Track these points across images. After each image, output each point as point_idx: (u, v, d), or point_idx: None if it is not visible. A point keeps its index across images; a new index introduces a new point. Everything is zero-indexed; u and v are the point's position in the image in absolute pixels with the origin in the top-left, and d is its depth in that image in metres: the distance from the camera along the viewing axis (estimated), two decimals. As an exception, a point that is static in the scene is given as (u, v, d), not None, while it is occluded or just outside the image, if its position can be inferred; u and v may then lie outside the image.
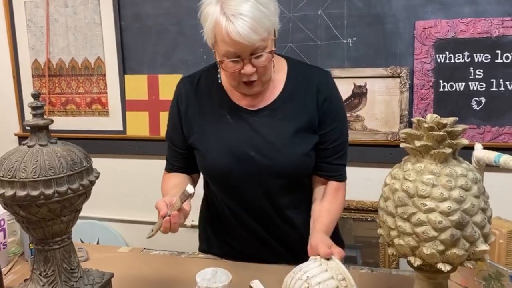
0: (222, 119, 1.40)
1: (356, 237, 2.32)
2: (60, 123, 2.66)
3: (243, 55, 1.25)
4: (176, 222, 1.16)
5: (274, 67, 1.35)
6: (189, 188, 1.16)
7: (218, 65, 1.35)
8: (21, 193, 0.98)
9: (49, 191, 0.98)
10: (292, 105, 1.38)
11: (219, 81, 1.39)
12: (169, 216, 1.16)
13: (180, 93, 1.46)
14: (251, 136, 1.37)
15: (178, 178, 1.48)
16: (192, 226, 2.42)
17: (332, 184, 1.44)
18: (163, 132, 2.50)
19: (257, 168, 1.36)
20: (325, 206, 1.40)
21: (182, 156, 1.49)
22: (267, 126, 1.37)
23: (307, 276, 1.05)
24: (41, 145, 1.03)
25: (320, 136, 1.40)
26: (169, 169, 1.54)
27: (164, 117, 2.49)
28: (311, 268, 1.08)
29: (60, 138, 1.10)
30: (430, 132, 1.00)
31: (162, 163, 2.54)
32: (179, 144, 1.48)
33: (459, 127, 1.02)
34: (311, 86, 1.39)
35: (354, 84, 2.19)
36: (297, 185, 1.43)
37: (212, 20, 1.23)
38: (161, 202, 1.20)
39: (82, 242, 2.39)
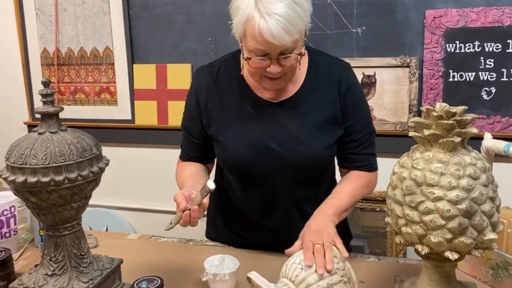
0: (243, 111, 1.38)
1: (364, 227, 2.32)
2: (69, 112, 2.68)
3: (272, 54, 1.22)
4: (196, 216, 1.17)
5: (299, 63, 1.31)
6: (211, 184, 1.16)
7: (241, 57, 1.32)
8: (32, 179, 0.99)
9: (59, 178, 1.00)
10: (314, 97, 1.37)
11: (241, 73, 1.38)
12: (189, 210, 1.16)
13: (199, 84, 1.44)
14: (273, 128, 1.36)
15: (194, 168, 1.47)
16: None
17: (360, 172, 1.42)
18: (171, 122, 2.52)
19: (278, 160, 1.35)
20: (338, 188, 1.39)
21: (198, 146, 1.48)
22: (288, 118, 1.36)
23: (300, 259, 1.07)
24: (51, 132, 1.04)
25: (346, 129, 1.39)
26: (184, 157, 1.52)
27: (172, 106, 2.51)
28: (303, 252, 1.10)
29: (69, 127, 1.11)
30: (439, 121, 1.00)
31: (170, 152, 2.57)
32: (195, 135, 1.46)
33: (469, 116, 1.02)
34: (333, 78, 1.38)
35: (363, 74, 2.18)
36: (316, 178, 1.43)
37: (244, 15, 1.19)
38: (180, 195, 1.19)
39: (91, 229, 2.41)
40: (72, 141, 1.04)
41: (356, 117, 1.39)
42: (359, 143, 1.41)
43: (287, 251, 1.17)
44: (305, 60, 1.39)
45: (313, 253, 1.07)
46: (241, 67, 1.38)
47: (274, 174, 1.37)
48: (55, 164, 1.00)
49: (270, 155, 1.35)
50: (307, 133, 1.35)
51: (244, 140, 1.37)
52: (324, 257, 1.06)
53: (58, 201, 1.03)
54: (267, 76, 1.28)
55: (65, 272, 1.09)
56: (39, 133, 1.04)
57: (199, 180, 1.33)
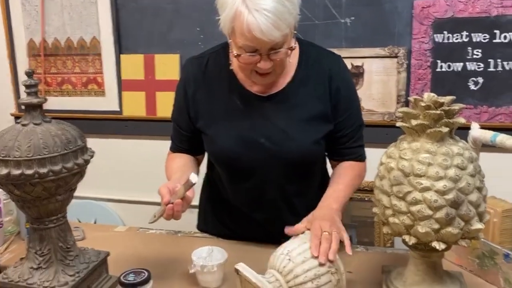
0: (232, 104, 1.36)
1: (352, 216, 2.33)
2: (56, 103, 2.65)
3: (262, 50, 1.20)
4: (179, 210, 1.16)
5: (290, 56, 1.30)
6: (193, 178, 1.16)
7: (229, 51, 1.31)
8: (16, 172, 0.97)
9: (43, 170, 0.98)
10: (304, 91, 1.36)
11: (230, 68, 1.36)
12: (172, 203, 1.15)
13: (187, 76, 1.42)
14: (261, 122, 1.35)
15: (183, 160, 1.46)
16: (190, 206, 2.42)
17: (351, 162, 1.44)
18: (159, 112, 2.50)
19: (266, 154, 1.34)
20: (336, 179, 1.40)
21: (187, 138, 1.47)
22: (277, 112, 1.35)
23: (288, 250, 1.07)
24: (35, 124, 1.03)
25: (337, 125, 1.38)
26: (174, 149, 1.51)
27: (160, 97, 2.49)
28: (291, 243, 1.11)
29: (56, 118, 1.10)
30: (427, 111, 1.00)
31: (159, 143, 2.55)
32: (185, 127, 1.45)
33: (456, 106, 1.02)
34: (323, 73, 1.36)
35: (352, 64, 2.18)
36: (305, 173, 1.42)
37: (231, 10, 1.16)
38: (164, 188, 1.18)
39: (79, 222, 2.39)
40: (57, 133, 1.02)
41: (346, 113, 1.38)
42: (350, 137, 1.41)
43: (287, 230, 1.18)
44: (295, 52, 1.37)
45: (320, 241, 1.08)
46: (230, 61, 1.36)
47: (262, 168, 1.36)
48: (39, 156, 0.98)
49: (258, 149, 1.34)
50: (296, 128, 1.34)
51: (232, 134, 1.35)
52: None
53: (43, 193, 1.01)
54: (257, 71, 1.26)
55: (50, 266, 1.08)
56: (23, 125, 1.03)
57: (186, 172, 1.32)
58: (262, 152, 1.34)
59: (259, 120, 1.35)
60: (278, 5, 1.14)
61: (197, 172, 1.48)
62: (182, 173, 1.32)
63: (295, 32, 1.26)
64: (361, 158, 1.45)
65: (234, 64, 1.36)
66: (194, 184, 1.16)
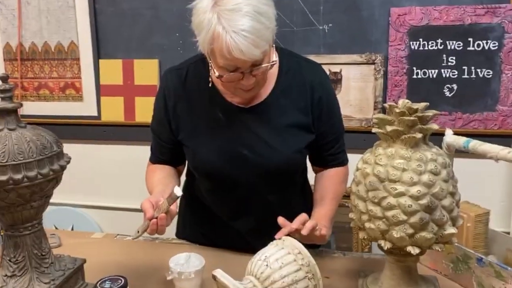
0: (213, 116, 1.35)
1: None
2: (33, 108, 2.61)
3: (243, 68, 1.19)
4: (163, 224, 1.15)
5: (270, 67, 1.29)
6: (177, 191, 1.14)
7: (211, 72, 1.30)
8: (-11, 178, 0.96)
9: (18, 176, 0.97)
10: (285, 101, 1.35)
11: (210, 85, 1.34)
12: (156, 218, 1.14)
13: (167, 88, 1.40)
14: (243, 134, 1.34)
15: (163, 172, 1.45)
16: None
17: (335, 169, 1.48)
18: (138, 118, 2.49)
19: (248, 166, 1.34)
20: (321, 191, 1.45)
21: (167, 150, 1.45)
22: (259, 123, 1.34)
23: (265, 256, 1.07)
24: (10, 129, 1.01)
25: (320, 134, 1.39)
26: (154, 160, 1.49)
27: (139, 102, 2.47)
28: (268, 249, 1.11)
29: (33, 123, 1.08)
30: (401, 117, 1.02)
31: (138, 148, 2.55)
32: (165, 138, 1.43)
33: (430, 112, 1.04)
34: (304, 83, 1.36)
35: (330, 71, 2.20)
36: (287, 182, 1.43)
37: (209, 33, 1.15)
38: (147, 202, 1.17)
39: (56, 228, 2.36)
40: (32, 138, 1.01)
41: (329, 122, 1.40)
42: (333, 144, 1.43)
43: (278, 237, 1.20)
44: (275, 62, 1.35)
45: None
46: (210, 79, 1.34)
47: (245, 179, 1.36)
48: (13, 162, 0.97)
49: (240, 161, 1.34)
50: (277, 138, 1.34)
51: (213, 147, 1.35)
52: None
53: (17, 200, 1.00)
54: (240, 88, 1.25)
55: (25, 273, 1.07)
56: (-3, 130, 1.01)
57: (168, 185, 1.32)
58: (245, 163, 1.34)
59: (241, 131, 1.34)
60: (255, 23, 1.13)
61: (179, 184, 1.47)
62: (163, 186, 1.31)
63: (273, 46, 1.25)
64: (343, 162, 1.48)
65: (214, 77, 1.35)
66: (178, 197, 1.15)
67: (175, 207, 1.17)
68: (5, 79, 1.04)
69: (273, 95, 1.35)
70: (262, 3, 1.16)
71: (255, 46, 1.13)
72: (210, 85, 1.34)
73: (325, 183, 1.46)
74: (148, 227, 1.15)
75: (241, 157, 1.34)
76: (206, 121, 1.36)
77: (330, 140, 1.42)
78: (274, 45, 1.26)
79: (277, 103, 1.35)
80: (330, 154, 1.45)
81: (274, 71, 1.36)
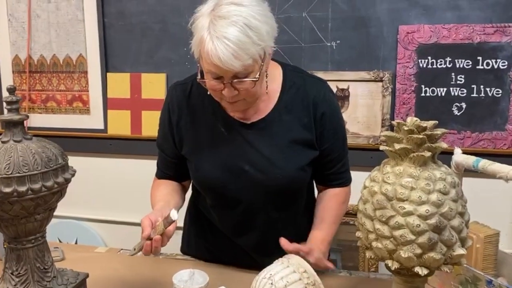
0: (216, 131, 1.35)
1: (337, 240, 2.32)
2: (40, 120, 2.62)
3: (225, 77, 1.18)
4: (157, 246, 1.14)
5: (267, 82, 1.28)
6: (173, 215, 1.14)
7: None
8: (-6, 189, 0.95)
9: (22, 188, 0.96)
10: (288, 118, 1.34)
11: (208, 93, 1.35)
12: (151, 239, 1.14)
13: (172, 102, 1.40)
14: (245, 150, 1.33)
15: (168, 188, 1.44)
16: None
17: (336, 190, 1.45)
18: (145, 132, 2.49)
19: (250, 182, 1.33)
20: (321, 213, 1.43)
21: (172, 165, 1.45)
22: (261, 139, 1.33)
23: (270, 274, 1.06)
24: (15, 141, 1.01)
25: (323, 151, 1.37)
26: (160, 175, 1.49)
27: (146, 116, 2.48)
28: (273, 267, 1.10)
29: (40, 136, 1.08)
30: (410, 135, 1.00)
31: (143, 162, 2.54)
32: (169, 153, 1.43)
33: (439, 131, 1.02)
34: (307, 100, 1.34)
35: (337, 87, 2.19)
36: (290, 199, 1.41)
37: (198, 36, 1.17)
38: (146, 220, 1.17)
39: (60, 242, 2.35)
40: (37, 151, 1.01)
41: (332, 139, 1.38)
42: (335, 162, 1.41)
43: (283, 242, 1.21)
44: (279, 78, 1.36)
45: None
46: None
47: (247, 195, 1.35)
48: (18, 174, 0.96)
49: (242, 177, 1.33)
50: (280, 155, 1.33)
51: (216, 161, 1.34)
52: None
53: (21, 212, 0.99)
54: (224, 99, 1.25)
55: (27, 287, 1.06)
56: (3, 142, 1.01)
57: (170, 202, 1.32)
58: (247, 179, 1.33)
59: (243, 147, 1.33)
60: (241, 35, 1.12)
61: (183, 199, 1.46)
62: (165, 203, 1.31)
63: (263, 64, 1.22)
64: (346, 183, 1.46)
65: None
66: (174, 221, 1.14)
67: (172, 227, 1.16)
68: (12, 90, 1.05)
69: (276, 111, 1.34)
70: (255, 18, 1.15)
71: (235, 57, 1.12)
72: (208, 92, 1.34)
73: (326, 205, 1.44)
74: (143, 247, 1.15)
75: (242, 173, 1.33)
76: (208, 135, 1.36)
77: (332, 159, 1.40)
78: (263, 63, 1.22)
79: (280, 119, 1.34)
80: (332, 173, 1.43)
81: (277, 87, 1.35)
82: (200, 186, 1.42)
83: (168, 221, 1.14)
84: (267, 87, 1.29)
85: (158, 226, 1.15)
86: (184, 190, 1.51)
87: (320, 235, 1.36)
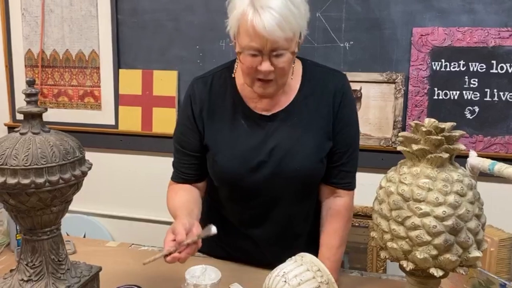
0: (236, 123, 1.35)
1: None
2: (51, 115, 2.63)
3: (264, 50, 1.20)
4: (190, 253, 1.14)
5: (293, 68, 1.29)
6: (214, 230, 1.16)
7: (235, 63, 1.33)
8: (12, 180, 0.95)
9: (40, 180, 0.97)
10: (307, 109, 1.35)
11: (233, 75, 1.36)
12: (185, 245, 1.13)
13: (193, 94, 1.40)
14: (265, 141, 1.33)
15: (188, 195, 1.40)
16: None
17: (338, 206, 1.40)
18: (155, 128, 2.49)
19: (270, 175, 1.33)
20: (327, 240, 1.38)
21: (193, 160, 1.41)
22: (281, 131, 1.34)
23: (284, 272, 1.06)
24: (34, 133, 1.01)
25: (333, 139, 1.36)
26: (177, 178, 1.45)
27: (157, 113, 2.48)
28: (287, 265, 1.10)
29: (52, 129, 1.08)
30: (428, 136, 1.00)
31: (153, 159, 2.55)
32: (191, 148, 1.40)
33: (457, 132, 1.02)
34: (327, 91, 1.35)
35: (349, 88, 2.19)
36: (306, 191, 1.40)
37: (239, 10, 1.19)
38: (180, 226, 1.15)
39: (68, 235, 2.36)
40: (55, 143, 1.01)
41: (343, 130, 1.36)
42: (340, 156, 1.37)
43: None
44: (299, 71, 1.37)
45: None
46: (234, 71, 1.36)
47: (265, 188, 1.35)
48: (36, 166, 0.97)
49: (262, 170, 1.33)
50: (299, 147, 1.33)
51: (235, 154, 1.34)
52: None
53: (38, 204, 1.00)
54: (258, 78, 1.25)
55: (41, 278, 1.06)
56: (21, 134, 1.01)
57: (193, 211, 1.31)
58: (266, 172, 1.33)
59: (264, 140, 1.34)
60: (284, 7, 1.16)
61: (201, 209, 1.42)
62: (189, 211, 1.29)
63: (300, 41, 1.26)
64: (349, 186, 1.41)
65: (238, 80, 1.36)
66: (211, 235, 1.16)
67: (200, 240, 1.16)
68: (31, 83, 1.05)
69: (296, 102, 1.35)
70: None
71: (279, 27, 1.16)
72: (233, 75, 1.36)
73: (333, 225, 1.39)
74: (172, 252, 1.12)
75: (262, 166, 1.33)
76: (228, 128, 1.36)
77: (340, 152, 1.37)
78: (301, 41, 1.27)
79: (299, 111, 1.35)
80: (336, 167, 1.38)
81: (297, 80, 1.36)
82: (219, 179, 1.40)
83: (207, 234, 1.14)
84: (292, 73, 1.31)
85: (194, 235, 1.14)
86: (202, 194, 1.47)
87: (328, 262, 1.30)
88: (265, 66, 1.22)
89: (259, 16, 1.15)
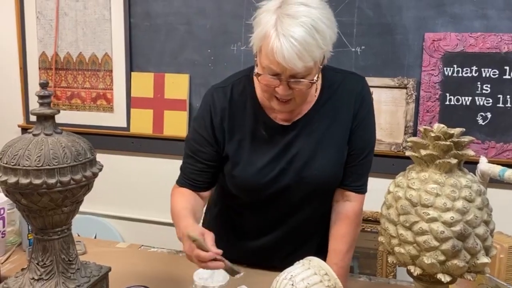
0: (257, 134, 1.34)
1: (355, 247, 2.30)
2: (64, 117, 2.66)
3: (283, 75, 1.18)
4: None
5: (316, 85, 1.27)
6: (240, 275, 1.17)
7: (254, 70, 1.30)
8: (24, 181, 0.97)
9: (51, 181, 0.98)
10: (327, 115, 1.33)
11: (253, 85, 1.34)
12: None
13: (213, 104, 1.36)
14: (286, 150, 1.33)
15: (192, 202, 1.36)
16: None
17: (346, 210, 1.39)
18: (166, 131, 2.51)
19: (290, 183, 1.33)
20: (335, 245, 1.38)
21: (208, 168, 1.38)
22: (301, 138, 1.33)
23: (291, 275, 1.06)
24: (46, 134, 1.03)
25: (349, 140, 1.35)
26: (185, 183, 1.40)
27: (168, 116, 2.50)
28: (294, 268, 1.10)
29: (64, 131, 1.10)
30: (437, 142, 1.00)
31: (164, 161, 2.57)
32: (207, 157, 1.37)
33: (466, 138, 1.02)
34: (346, 95, 1.33)
35: (360, 93, 2.19)
36: (325, 198, 1.41)
37: (263, 30, 1.16)
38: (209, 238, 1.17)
39: (79, 236, 2.38)
40: (67, 144, 1.03)
41: (359, 131, 1.35)
42: (353, 158, 1.36)
43: None
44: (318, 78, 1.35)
45: None
46: (254, 77, 1.31)
47: (284, 196, 1.35)
48: (48, 167, 0.98)
49: (282, 179, 1.33)
50: (319, 153, 1.32)
51: (257, 165, 1.33)
52: None
53: (49, 204, 1.01)
54: (276, 97, 1.24)
55: (52, 277, 1.07)
56: (34, 135, 1.03)
57: (198, 220, 1.31)
58: (286, 181, 1.33)
59: (284, 149, 1.33)
60: (307, 36, 1.12)
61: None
62: (194, 220, 1.28)
63: (321, 66, 1.23)
64: (361, 189, 1.40)
65: (259, 92, 1.34)
66: (236, 276, 1.18)
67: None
68: (44, 85, 1.07)
69: (315, 109, 1.34)
70: (322, 21, 1.15)
71: (299, 57, 1.13)
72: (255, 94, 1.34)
73: (341, 230, 1.38)
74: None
75: (282, 175, 1.33)
76: (249, 138, 1.34)
77: (355, 154, 1.36)
78: (321, 67, 1.24)
79: (319, 117, 1.34)
80: (349, 169, 1.37)
81: (317, 86, 1.34)
82: (238, 189, 1.39)
83: (231, 271, 1.16)
84: (316, 90, 1.30)
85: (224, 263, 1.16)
86: (204, 204, 1.45)
87: (336, 268, 1.29)
88: (283, 90, 1.20)
89: (280, 44, 1.12)
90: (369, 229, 2.27)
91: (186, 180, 1.40)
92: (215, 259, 1.13)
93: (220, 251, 1.14)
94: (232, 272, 1.17)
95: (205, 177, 1.39)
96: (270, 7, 1.18)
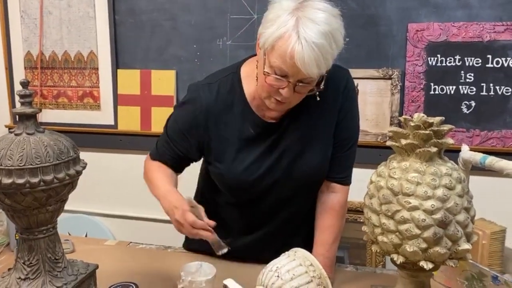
0: (245, 132, 1.34)
1: (344, 237, 2.31)
2: (51, 116, 2.66)
3: (291, 78, 1.17)
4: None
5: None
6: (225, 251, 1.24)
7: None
8: (7, 180, 0.97)
9: (34, 180, 0.98)
10: (314, 109, 1.34)
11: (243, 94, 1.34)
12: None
13: (199, 102, 1.35)
14: (274, 146, 1.34)
15: (169, 177, 1.41)
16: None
17: (332, 201, 1.40)
18: (154, 128, 2.51)
19: (277, 178, 1.34)
20: (321, 236, 1.40)
21: (177, 157, 1.41)
22: (289, 134, 1.34)
23: (277, 267, 1.08)
24: (28, 134, 1.03)
25: (335, 129, 1.36)
26: (158, 157, 1.44)
27: (156, 112, 2.50)
28: (280, 260, 1.11)
29: (47, 129, 1.10)
30: (416, 131, 1.01)
31: (153, 158, 2.55)
32: (181, 148, 1.40)
33: (445, 127, 1.03)
34: (332, 88, 1.33)
35: (346, 85, 2.20)
36: (312, 193, 1.42)
37: (280, 29, 1.14)
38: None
39: (69, 235, 2.38)
40: (49, 143, 1.03)
41: (343, 122, 1.36)
42: (337, 149, 1.37)
43: None
44: None
45: None
46: (256, 77, 1.30)
47: (273, 192, 1.36)
48: (30, 166, 0.98)
49: (270, 176, 1.34)
50: (307, 147, 1.33)
51: (244, 163, 1.33)
52: None
53: (33, 203, 1.01)
54: (275, 97, 1.23)
55: (38, 276, 1.08)
56: (16, 134, 1.03)
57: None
58: (275, 178, 1.34)
59: (272, 144, 1.34)
60: (327, 45, 1.12)
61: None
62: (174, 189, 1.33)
63: (326, 74, 1.23)
64: (345, 181, 1.41)
65: (247, 90, 1.34)
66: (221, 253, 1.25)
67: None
68: (25, 84, 1.07)
69: (303, 103, 1.32)
70: (339, 30, 1.16)
71: (317, 65, 1.13)
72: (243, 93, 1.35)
73: (327, 222, 1.40)
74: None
75: (270, 172, 1.33)
76: (236, 136, 1.34)
77: (339, 145, 1.37)
78: (325, 75, 1.23)
79: (307, 111, 1.34)
80: (334, 160, 1.38)
81: None
82: (226, 187, 1.40)
83: (218, 247, 1.24)
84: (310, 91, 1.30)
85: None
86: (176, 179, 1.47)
87: (323, 258, 1.32)
88: (287, 92, 1.20)
89: (302, 47, 1.11)
90: (358, 220, 2.28)
91: (157, 153, 1.45)
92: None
93: (213, 223, 1.20)
94: (218, 247, 1.19)
95: (174, 160, 1.42)
96: (286, 7, 1.16)
